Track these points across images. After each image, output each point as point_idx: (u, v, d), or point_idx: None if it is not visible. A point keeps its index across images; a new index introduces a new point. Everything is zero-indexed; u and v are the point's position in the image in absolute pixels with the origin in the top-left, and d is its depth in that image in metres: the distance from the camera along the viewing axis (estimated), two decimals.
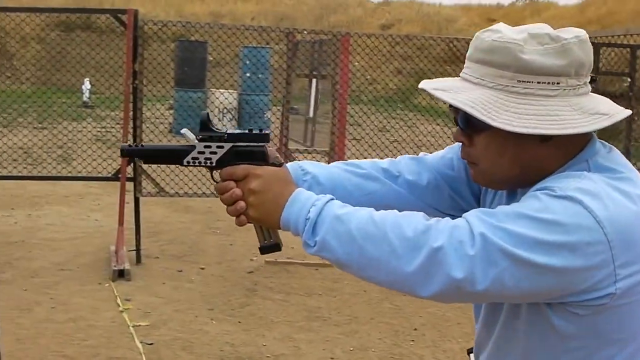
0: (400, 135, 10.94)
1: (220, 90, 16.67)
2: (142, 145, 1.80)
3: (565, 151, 1.63)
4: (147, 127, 7.49)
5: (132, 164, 7.18)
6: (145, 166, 7.29)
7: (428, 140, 9.04)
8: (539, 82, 1.58)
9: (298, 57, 12.57)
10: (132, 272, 6.81)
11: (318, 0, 37.70)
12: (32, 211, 9.36)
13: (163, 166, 7.58)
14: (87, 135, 12.35)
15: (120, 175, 7.10)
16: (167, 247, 7.90)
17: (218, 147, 1.72)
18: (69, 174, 8.50)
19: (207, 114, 1.76)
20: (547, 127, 1.55)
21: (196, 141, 1.72)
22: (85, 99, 22.57)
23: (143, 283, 6.66)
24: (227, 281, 6.84)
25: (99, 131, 15.62)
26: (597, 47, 7.80)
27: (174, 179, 7.55)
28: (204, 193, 7.46)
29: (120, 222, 7.13)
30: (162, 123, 14.88)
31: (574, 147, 1.63)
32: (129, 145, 1.79)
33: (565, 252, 1.45)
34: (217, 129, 1.74)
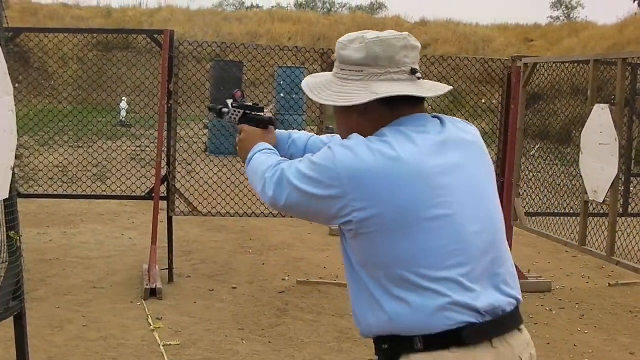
0: None
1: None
2: (211, 106, 2.99)
3: (375, 123, 2.24)
4: (181, 147, 7.52)
5: (165, 184, 7.21)
6: (178, 185, 7.33)
7: None
8: (350, 70, 2.25)
9: None
10: (164, 291, 6.83)
11: (355, 21, 37.83)
12: (68, 229, 9.45)
13: (196, 186, 7.63)
14: (122, 154, 12.45)
15: (153, 195, 7.12)
16: (200, 267, 7.92)
17: (238, 112, 2.79)
18: (103, 193, 8.56)
19: (240, 90, 3.79)
20: (336, 100, 2.26)
21: (231, 107, 2.83)
22: (121, 118, 22.79)
23: (175, 302, 6.67)
24: (258, 301, 6.83)
25: (134, 150, 15.74)
26: (635, 68, 7.72)
27: (207, 199, 7.58)
28: (236, 213, 7.47)
29: (153, 241, 7.15)
30: (195, 143, 14.97)
31: (383, 120, 2.24)
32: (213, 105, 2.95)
33: (315, 184, 2.15)
34: (241, 102, 2.82)
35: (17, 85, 13.02)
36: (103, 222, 9.99)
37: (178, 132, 7.45)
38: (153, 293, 6.72)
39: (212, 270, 7.79)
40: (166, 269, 7.26)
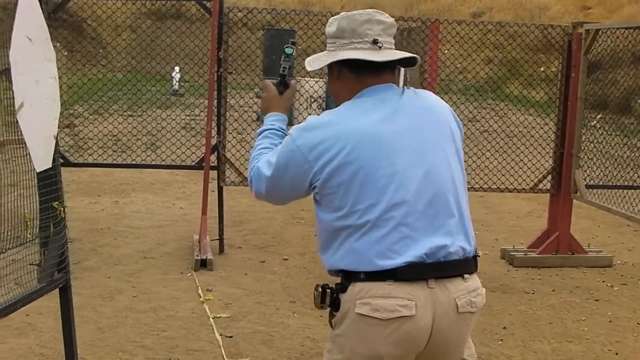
0: (490, 126, 10.62)
1: (307, 78, 16.56)
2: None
3: (348, 89, 2.74)
4: (231, 115, 7.39)
5: (216, 153, 7.10)
6: (229, 155, 7.21)
7: (520, 131, 8.74)
8: (329, 43, 2.73)
9: None
10: (214, 262, 6.74)
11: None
12: (119, 198, 9.42)
13: (247, 155, 7.50)
14: (172, 123, 12.37)
15: (204, 164, 7.02)
16: (250, 237, 7.82)
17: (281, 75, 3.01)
18: (153, 162, 8.46)
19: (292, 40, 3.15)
20: (311, 66, 2.79)
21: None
22: (174, 86, 22.77)
23: (225, 273, 6.58)
24: (310, 273, 6.71)
25: (183, 119, 15.68)
26: None
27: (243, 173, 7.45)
28: None
29: (204, 211, 7.06)
30: (246, 112, 14.85)
31: (353, 87, 2.73)
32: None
33: (282, 168, 2.70)
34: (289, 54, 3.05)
35: (66, 54, 12.96)
36: (154, 191, 9.94)
37: (229, 101, 7.31)
38: (203, 264, 6.63)
39: (263, 241, 7.68)
40: (217, 239, 7.17)
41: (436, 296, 2.58)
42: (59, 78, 8.99)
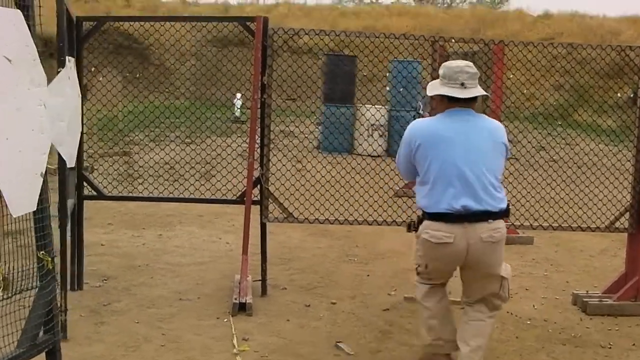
0: (557, 154, 9.91)
1: (367, 106, 16.00)
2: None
3: (443, 109, 4.61)
4: (291, 142, 6.87)
5: (258, 186, 6.55)
6: (272, 189, 6.65)
7: (590, 160, 8.02)
8: (439, 80, 4.62)
9: None
10: (255, 305, 6.17)
11: (474, 15, 36.54)
12: (164, 231, 8.93)
13: (292, 190, 6.92)
14: (228, 150, 11.92)
15: (245, 199, 6.46)
16: (297, 277, 7.22)
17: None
18: (205, 192, 7.85)
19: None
20: (429, 92, 4.71)
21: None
22: (235, 113, 22.41)
23: (265, 319, 5.99)
24: (358, 320, 6.08)
25: (240, 146, 15.22)
26: None
27: (303, 204, 6.85)
28: (336, 220, 6.72)
29: (245, 250, 6.49)
30: (306, 137, 14.33)
31: (442, 107, 4.62)
32: None
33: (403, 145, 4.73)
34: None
35: (121, 79, 12.58)
36: (201, 224, 9.43)
37: (289, 128, 6.85)
38: (242, 308, 6.06)
39: (311, 282, 7.08)
40: (259, 280, 6.60)
41: (468, 232, 4.46)
42: (116, 105, 8.57)
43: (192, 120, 12.30)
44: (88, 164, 12.58)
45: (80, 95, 5.95)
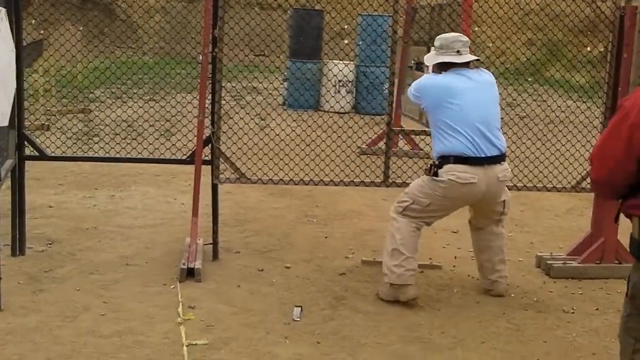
0: (532, 110, 9.66)
1: (335, 61, 15.61)
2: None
3: (442, 70, 5.43)
4: (252, 100, 6.54)
5: (210, 145, 6.22)
6: (224, 148, 6.32)
7: (560, 116, 7.74)
8: (436, 49, 5.47)
9: (416, 24, 11.38)
10: (204, 270, 5.88)
11: None
12: (117, 192, 8.58)
13: (245, 149, 6.61)
14: (188, 107, 11.54)
15: (195, 158, 6.13)
16: (253, 240, 6.93)
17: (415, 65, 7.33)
18: (166, 152, 7.45)
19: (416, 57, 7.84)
20: (429, 63, 5.57)
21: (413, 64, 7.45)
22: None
23: (215, 285, 5.70)
24: (312, 285, 5.81)
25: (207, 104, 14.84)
26: None
27: (257, 163, 6.53)
28: (291, 180, 6.42)
29: (195, 212, 6.18)
30: (270, 94, 13.95)
31: (447, 69, 5.41)
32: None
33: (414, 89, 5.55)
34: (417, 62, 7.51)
35: (79, 35, 12.07)
36: (157, 183, 9.09)
37: (254, 85, 6.56)
38: (190, 273, 5.76)
39: (266, 245, 6.79)
40: (210, 243, 6.30)
41: (488, 173, 5.19)
42: (81, 61, 8.10)
43: (155, 77, 11.90)
44: (43, 122, 12.18)
45: (15, 50, 5.57)
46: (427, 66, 5.74)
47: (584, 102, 8.04)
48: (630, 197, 2.96)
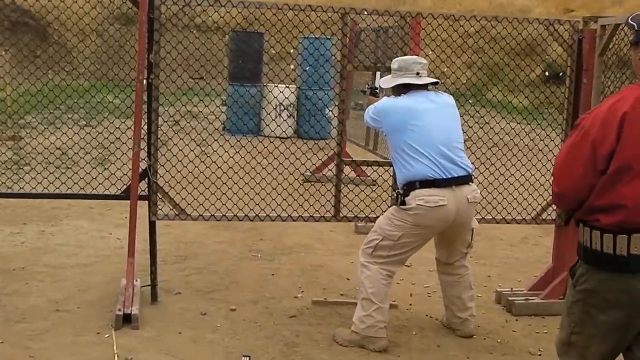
0: (475, 133, 9.34)
1: (275, 83, 15.20)
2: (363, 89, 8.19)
3: (401, 94, 5.27)
4: (190, 126, 6.07)
5: (146, 179, 5.76)
6: (161, 182, 5.86)
7: (504, 139, 7.41)
8: (394, 72, 5.31)
9: (361, 47, 11.06)
10: (143, 315, 5.41)
11: None
12: (47, 227, 8.03)
13: (184, 183, 6.14)
14: (128, 133, 11.00)
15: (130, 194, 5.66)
16: (194, 278, 6.46)
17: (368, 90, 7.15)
18: (71, 189, 6.76)
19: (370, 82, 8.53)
20: (386, 85, 5.39)
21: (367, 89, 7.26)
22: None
23: (154, 332, 5.23)
24: (261, 330, 5.37)
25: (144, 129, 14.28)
26: None
27: (197, 196, 6.07)
28: (235, 216, 5.98)
29: (131, 252, 5.70)
30: (206, 118, 13.45)
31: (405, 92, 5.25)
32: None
33: (374, 114, 5.34)
34: (371, 86, 7.50)
35: (8, 56, 11.48)
36: (91, 216, 8.56)
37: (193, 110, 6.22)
38: (127, 320, 5.28)
39: (209, 284, 6.33)
40: (148, 285, 5.82)
41: (456, 195, 4.99)
42: (9, 83, 7.56)
43: (90, 101, 11.29)
44: None
45: None
46: (382, 89, 5.66)
47: (528, 124, 7.76)
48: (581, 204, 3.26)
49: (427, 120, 5.03)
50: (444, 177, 4.97)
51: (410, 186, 4.99)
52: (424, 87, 5.22)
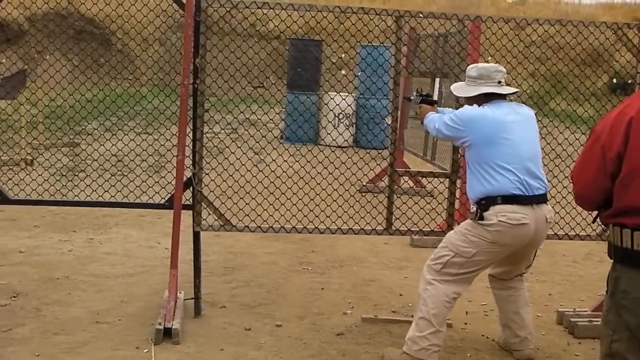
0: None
1: (332, 93, 14.98)
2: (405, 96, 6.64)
3: (481, 103, 4.91)
4: (248, 133, 5.85)
5: (191, 188, 5.55)
6: (206, 192, 5.66)
7: (566, 150, 7.03)
8: (471, 80, 5.00)
9: (419, 55, 10.76)
10: (184, 330, 5.20)
11: (449, 0, 35.63)
12: (96, 234, 7.91)
13: (230, 193, 5.90)
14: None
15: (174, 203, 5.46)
16: (240, 292, 6.24)
17: (418, 98, 5.44)
18: (122, 196, 6.56)
19: (419, 88, 7.12)
20: (463, 94, 5.09)
21: (415, 96, 5.55)
22: None
23: (195, 348, 5.01)
24: (306, 348, 5.11)
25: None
26: None
27: (249, 203, 5.81)
28: (282, 227, 5.73)
29: (174, 263, 5.49)
30: (265, 126, 13.27)
31: (485, 101, 4.91)
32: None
33: (454, 123, 4.89)
34: (420, 93, 5.61)
35: (67, 64, 11.45)
36: (141, 225, 8.41)
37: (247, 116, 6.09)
38: (167, 334, 5.07)
39: (255, 298, 6.10)
40: (192, 298, 5.62)
41: (536, 213, 4.73)
42: (72, 93, 7.47)
43: (148, 107, 11.11)
44: (25, 157, 11.56)
45: None
46: (460, 98, 5.33)
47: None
48: (607, 208, 3.34)
49: (516, 134, 4.75)
50: (527, 194, 4.69)
51: (490, 201, 4.68)
52: (503, 97, 4.94)
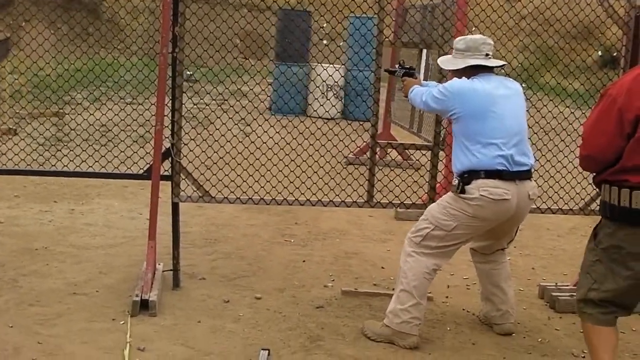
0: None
1: (324, 64, 14.87)
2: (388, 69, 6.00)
3: (468, 76, 4.77)
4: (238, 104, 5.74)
5: (169, 158, 5.48)
6: (185, 163, 5.59)
7: (550, 124, 6.95)
8: (458, 52, 4.87)
9: (405, 27, 10.67)
10: (162, 302, 5.16)
11: None
12: (77, 205, 7.83)
13: (209, 163, 5.82)
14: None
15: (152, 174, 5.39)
16: (221, 264, 6.19)
17: (401, 71, 5.30)
18: (103, 168, 6.48)
19: (402, 60, 5.61)
20: (451, 67, 4.96)
21: (397, 69, 5.36)
22: (188, 71, 21.22)
23: (172, 320, 4.96)
24: (285, 321, 5.06)
25: (190, 108, 14.01)
26: None
27: (222, 180, 5.75)
28: (262, 199, 5.68)
29: (152, 234, 5.43)
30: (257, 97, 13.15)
31: (470, 77, 4.77)
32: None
33: (442, 95, 4.75)
34: (404, 66, 5.35)
35: (53, 32, 11.32)
36: (124, 195, 8.34)
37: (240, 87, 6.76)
38: (144, 306, 5.02)
39: (236, 270, 6.05)
40: (171, 270, 5.56)
41: (519, 189, 4.66)
42: (61, 63, 7.35)
43: (138, 76, 10.89)
44: (10, 127, 11.42)
45: None
46: (447, 71, 5.20)
47: (578, 107, 7.30)
48: (608, 167, 3.63)
49: (505, 108, 4.66)
50: (511, 170, 4.61)
51: (473, 175, 4.61)
52: (490, 69, 4.83)
